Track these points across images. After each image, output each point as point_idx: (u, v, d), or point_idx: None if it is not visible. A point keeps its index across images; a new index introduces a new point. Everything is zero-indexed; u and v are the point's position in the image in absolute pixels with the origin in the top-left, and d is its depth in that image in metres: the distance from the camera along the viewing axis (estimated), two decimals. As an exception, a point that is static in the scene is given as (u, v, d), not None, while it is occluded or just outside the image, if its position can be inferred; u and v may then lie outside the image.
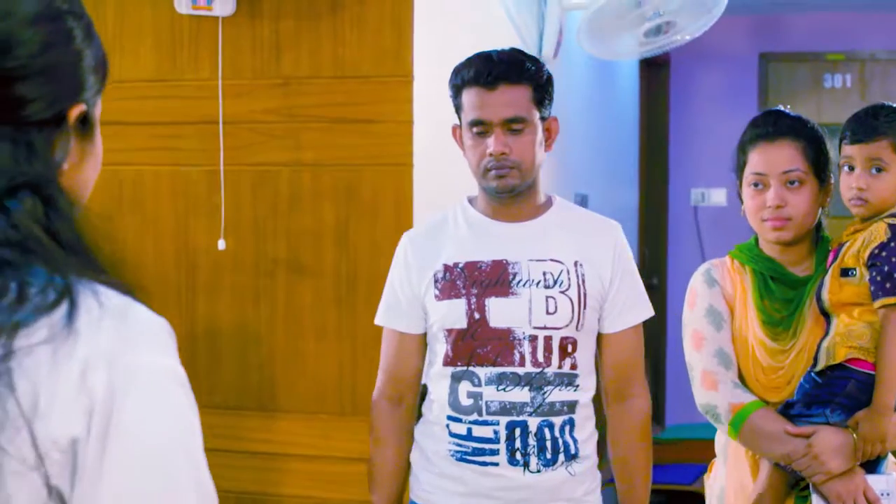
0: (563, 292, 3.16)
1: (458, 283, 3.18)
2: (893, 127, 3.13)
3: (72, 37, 1.49)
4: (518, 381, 3.13)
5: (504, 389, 3.13)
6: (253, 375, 4.19)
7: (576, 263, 3.19)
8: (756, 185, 3.23)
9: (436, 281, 3.21)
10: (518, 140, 3.13)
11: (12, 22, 1.41)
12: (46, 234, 1.40)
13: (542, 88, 3.18)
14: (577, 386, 3.19)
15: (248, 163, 4.18)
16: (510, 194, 3.19)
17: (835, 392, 3.07)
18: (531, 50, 4.99)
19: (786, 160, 3.20)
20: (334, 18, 4.07)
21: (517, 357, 3.13)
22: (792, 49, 9.01)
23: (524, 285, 3.16)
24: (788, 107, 3.40)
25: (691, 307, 3.32)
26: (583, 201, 6.04)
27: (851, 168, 3.15)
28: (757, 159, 3.24)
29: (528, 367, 3.13)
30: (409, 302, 3.26)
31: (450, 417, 3.20)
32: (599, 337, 3.27)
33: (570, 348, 3.17)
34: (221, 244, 4.13)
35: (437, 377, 3.24)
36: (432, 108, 4.11)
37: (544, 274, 3.17)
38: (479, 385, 3.15)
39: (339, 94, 4.08)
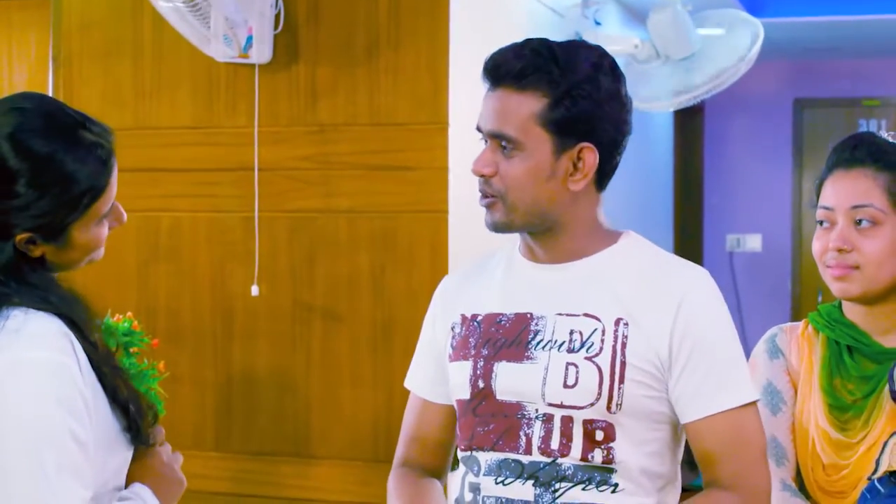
0: (589, 359, 2.30)
1: (470, 340, 2.42)
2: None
3: (9, 194, 2.06)
4: (520, 471, 2.33)
5: (503, 483, 2.34)
6: (288, 422, 4.19)
7: (618, 322, 2.31)
8: (822, 222, 2.53)
9: (453, 336, 2.48)
10: (507, 163, 2.34)
11: None
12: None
13: (565, 104, 2.30)
14: (616, 487, 2.31)
15: (283, 209, 4.19)
16: (504, 233, 2.41)
17: None
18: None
19: (857, 193, 2.47)
20: (370, 66, 4.09)
21: (522, 441, 2.33)
22: (827, 95, 9.01)
23: (544, 347, 2.34)
24: (891, 133, 2.60)
25: None
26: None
27: None
28: (828, 191, 2.53)
29: (535, 456, 2.32)
30: (437, 362, 2.53)
31: None
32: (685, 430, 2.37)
33: (599, 436, 2.30)
34: (255, 290, 4.14)
35: (458, 464, 2.49)
36: (468, 155, 4.09)
37: (571, 333, 2.33)
38: (479, 475, 2.38)
39: (375, 141, 4.09)
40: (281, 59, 4.16)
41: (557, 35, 4.98)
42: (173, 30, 4.04)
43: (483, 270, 2.53)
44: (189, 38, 4.04)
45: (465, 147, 4.09)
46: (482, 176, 2.37)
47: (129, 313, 3.60)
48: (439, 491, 2.55)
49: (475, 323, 2.44)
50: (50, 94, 4.45)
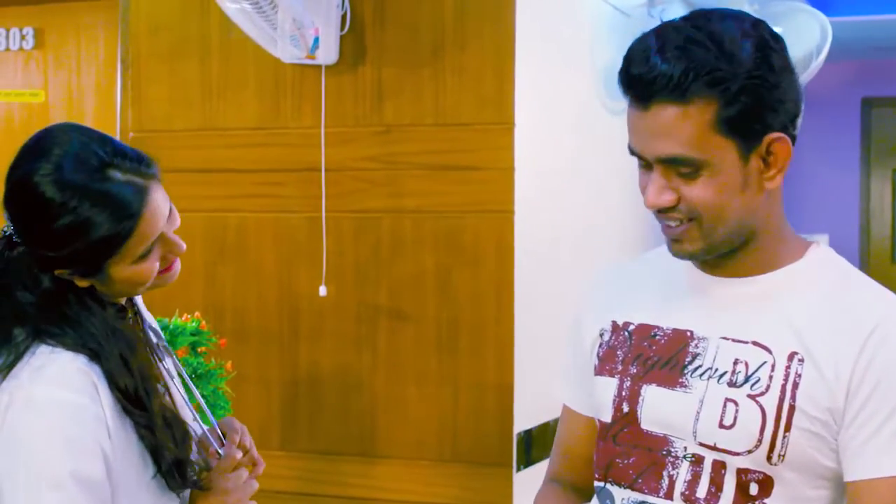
0: (752, 397, 1.95)
1: (618, 353, 2.11)
2: None
3: (37, 236, 2.10)
4: None
5: None
6: (354, 421, 4.20)
7: (791, 356, 1.95)
8: None
9: (600, 344, 2.17)
10: (690, 188, 1.95)
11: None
12: (37, 321, 2.10)
13: (742, 100, 1.92)
14: None
15: (349, 210, 4.20)
16: (696, 260, 2.07)
17: None
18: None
19: None
20: (435, 66, 4.09)
21: (665, 483, 2.01)
22: (895, 94, 8.93)
23: (702, 375, 2.00)
24: None
25: None
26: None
27: None
28: None
29: (677, 502, 2.00)
30: (582, 369, 2.22)
31: None
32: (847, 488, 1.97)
33: (753, 489, 1.95)
34: (323, 290, 4.15)
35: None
36: (534, 155, 4.11)
37: (735, 363, 1.98)
38: None
39: (441, 141, 4.09)
40: (347, 60, 4.17)
41: (622, 34, 4.97)
42: (240, 31, 4.06)
43: (643, 271, 2.21)
44: (256, 39, 4.06)
45: (531, 147, 4.09)
46: (662, 209, 1.98)
47: (197, 313, 3.64)
48: None
49: (626, 333, 2.12)
50: (118, 94, 4.50)
